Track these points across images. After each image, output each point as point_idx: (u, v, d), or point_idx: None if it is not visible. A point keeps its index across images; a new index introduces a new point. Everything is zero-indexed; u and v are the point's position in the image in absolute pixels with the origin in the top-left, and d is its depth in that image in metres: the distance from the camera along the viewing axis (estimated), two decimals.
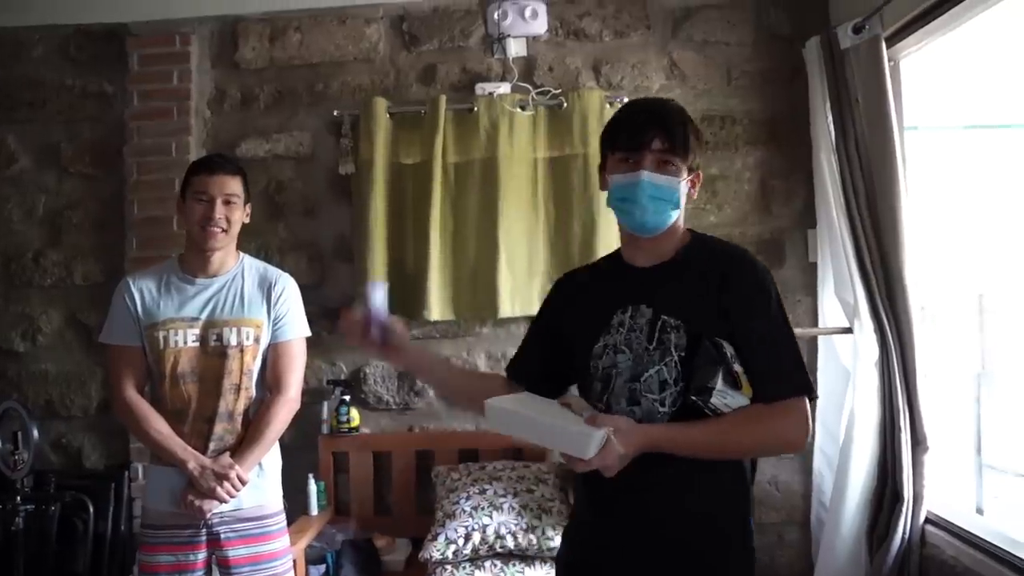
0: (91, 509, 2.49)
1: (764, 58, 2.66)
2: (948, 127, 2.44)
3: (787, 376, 1.20)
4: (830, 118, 2.29)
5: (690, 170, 1.25)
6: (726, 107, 2.66)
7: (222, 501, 1.75)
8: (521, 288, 2.59)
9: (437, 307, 2.57)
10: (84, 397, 2.78)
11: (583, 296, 1.34)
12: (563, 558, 1.39)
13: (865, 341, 2.19)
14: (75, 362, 2.79)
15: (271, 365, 1.86)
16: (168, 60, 2.72)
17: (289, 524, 1.95)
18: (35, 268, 2.81)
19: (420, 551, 2.25)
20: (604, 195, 2.70)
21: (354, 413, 2.64)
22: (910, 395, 2.13)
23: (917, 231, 2.17)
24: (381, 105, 2.63)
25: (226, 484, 1.74)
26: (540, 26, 2.68)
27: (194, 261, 1.85)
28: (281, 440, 1.90)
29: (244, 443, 1.80)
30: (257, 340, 1.83)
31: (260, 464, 1.83)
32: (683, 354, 1.19)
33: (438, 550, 2.20)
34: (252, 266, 1.90)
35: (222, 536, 1.78)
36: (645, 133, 1.22)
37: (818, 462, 2.51)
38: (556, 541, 2.19)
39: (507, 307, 2.57)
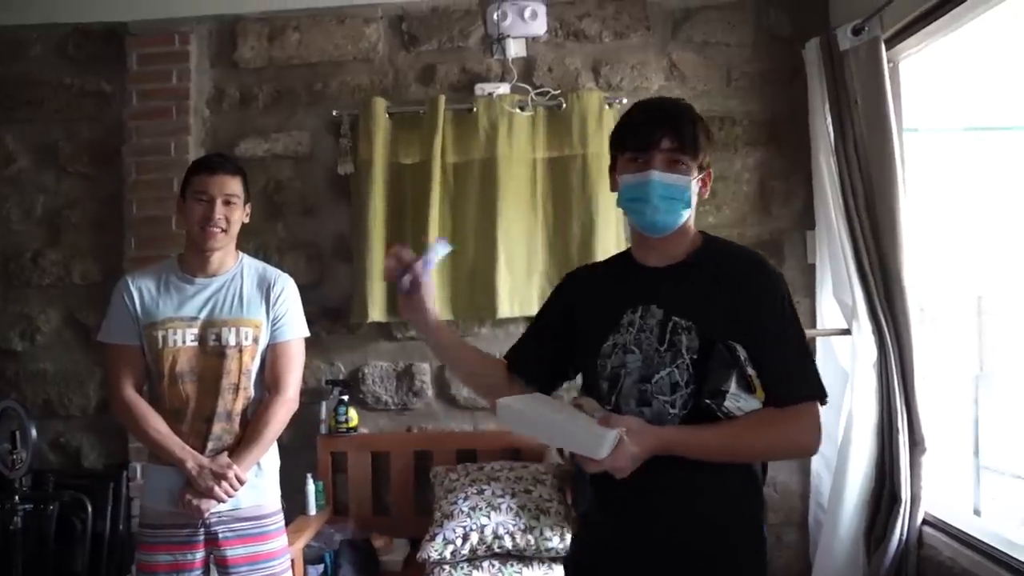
0: (89, 509, 2.49)
1: (764, 59, 2.66)
2: (947, 129, 2.44)
3: (800, 380, 1.20)
4: (829, 119, 2.29)
5: (700, 169, 1.24)
6: (725, 108, 2.66)
7: (220, 501, 1.75)
8: (520, 288, 2.59)
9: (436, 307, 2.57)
10: (82, 397, 2.78)
11: (592, 294, 1.33)
12: (572, 558, 1.39)
13: (863, 342, 2.19)
14: (73, 361, 2.79)
15: (270, 365, 1.86)
16: (167, 59, 2.72)
17: (287, 524, 1.96)
18: (34, 268, 2.81)
19: (418, 551, 2.25)
20: (603, 196, 2.73)
21: (352, 413, 2.64)
22: (908, 396, 2.13)
23: (916, 233, 2.17)
24: (380, 105, 2.63)
25: (224, 484, 1.74)
26: (539, 27, 2.68)
27: (193, 261, 1.85)
28: (279, 440, 1.90)
29: (242, 443, 1.80)
30: (256, 340, 1.83)
31: (258, 464, 1.83)
32: (695, 356, 1.18)
33: (436, 550, 2.20)
34: (251, 266, 1.90)
35: (220, 535, 1.78)
36: (654, 132, 1.21)
37: (816, 463, 2.51)
38: (554, 542, 2.19)
39: (506, 307, 2.57)
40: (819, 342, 2.50)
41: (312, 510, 2.52)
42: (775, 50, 2.64)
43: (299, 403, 1.91)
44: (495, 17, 2.65)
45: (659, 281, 1.25)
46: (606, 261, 1.43)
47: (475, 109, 2.60)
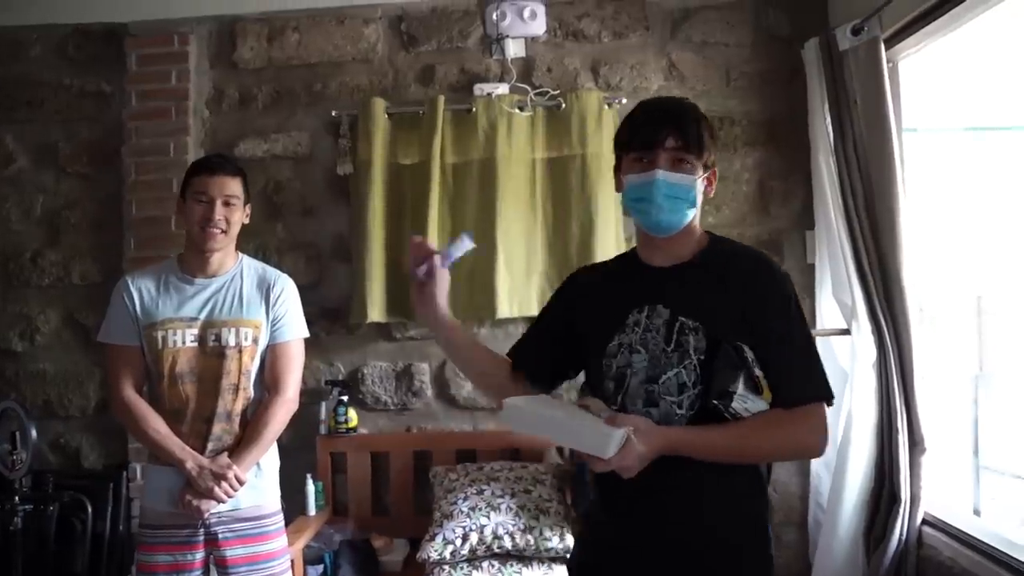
0: (89, 509, 2.49)
1: (763, 59, 2.66)
2: (947, 129, 2.44)
3: (807, 381, 1.19)
4: (829, 119, 2.29)
5: (705, 167, 1.23)
6: (725, 108, 2.66)
7: (220, 501, 1.75)
8: (519, 289, 2.59)
9: None
10: (82, 397, 2.78)
11: (597, 293, 1.32)
12: (576, 559, 1.39)
13: (863, 342, 2.19)
14: (73, 362, 2.79)
15: (269, 366, 1.86)
16: (166, 60, 2.72)
17: (287, 524, 1.96)
18: (33, 268, 2.81)
19: (418, 551, 2.25)
20: (602, 196, 2.73)
21: (352, 413, 2.65)
22: (908, 396, 2.13)
23: (915, 233, 2.17)
24: (379, 105, 2.63)
25: (224, 484, 1.74)
26: (539, 27, 2.67)
27: (193, 261, 1.85)
28: (279, 440, 1.90)
29: (242, 443, 1.80)
30: (255, 341, 1.83)
31: (258, 464, 1.83)
32: (702, 357, 1.18)
33: (436, 550, 2.20)
34: (251, 267, 1.90)
35: (220, 536, 1.78)
36: (658, 132, 1.20)
37: (815, 463, 2.51)
38: (554, 542, 2.19)
39: (505, 308, 2.57)
40: (818, 342, 2.47)
41: (312, 510, 2.52)
42: (774, 50, 2.64)
43: (299, 403, 1.91)
44: (494, 17, 2.65)
45: (665, 281, 1.25)
46: (610, 261, 1.42)
47: (474, 109, 2.60)
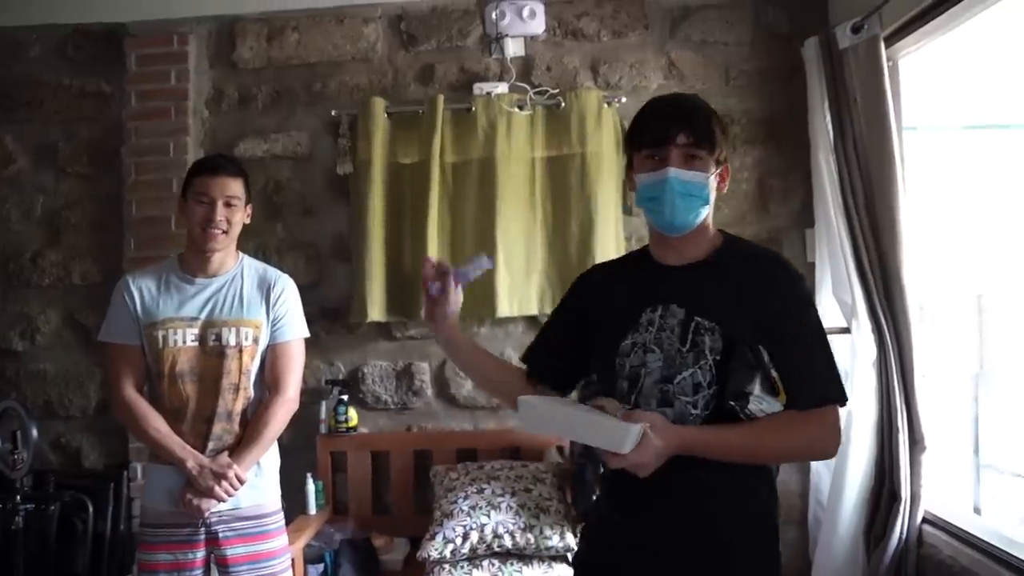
0: (90, 509, 2.49)
1: (762, 57, 2.66)
2: (946, 127, 2.44)
3: (823, 383, 1.19)
4: (828, 118, 2.29)
5: (717, 163, 1.22)
6: (724, 107, 2.65)
7: (220, 500, 1.76)
8: (519, 288, 2.59)
9: None
10: (83, 397, 2.78)
11: (610, 292, 1.31)
12: (582, 557, 1.37)
13: (863, 341, 2.19)
14: (74, 362, 2.79)
15: (270, 365, 1.86)
16: (166, 60, 2.72)
17: (287, 523, 1.96)
18: (33, 268, 2.81)
19: (418, 550, 2.25)
20: (602, 194, 2.73)
21: (352, 413, 2.65)
22: (908, 395, 2.13)
23: (915, 231, 2.17)
24: (379, 105, 2.63)
25: (224, 483, 1.74)
26: (538, 26, 2.67)
27: (194, 261, 1.85)
28: (279, 440, 1.90)
29: (243, 443, 1.80)
30: (256, 340, 1.83)
31: (258, 463, 1.83)
32: (718, 358, 1.17)
33: (436, 549, 2.20)
34: (251, 266, 1.91)
35: (220, 535, 1.79)
36: (669, 128, 1.19)
37: (815, 462, 2.51)
38: (554, 540, 2.19)
39: (505, 307, 2.57)
40: None
41: (312, 509, 2.52)
42: (774, 48, 2.64)
43: (299, 403, 1.91)
44: (493, 16, 2.65)
45: (679, 280, 1.24)
46: (621, 259, 1.41)
47: (474, 108, 2.60)
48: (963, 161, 2.38)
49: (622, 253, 2.53)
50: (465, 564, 2.21)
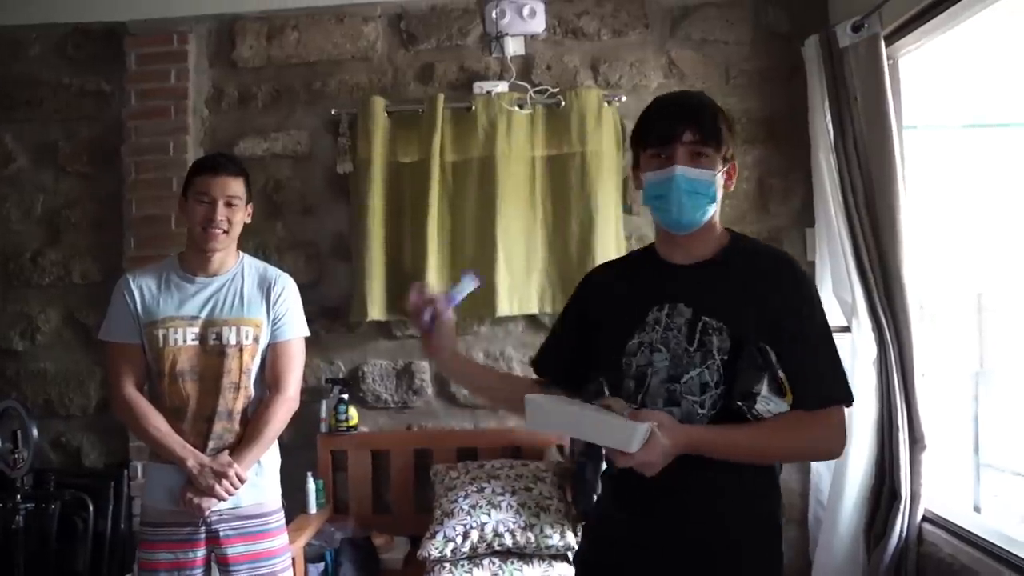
0: (91, 508, 2.49)
1: (762, 57, 2.66)
2: (947, 126, 2.44)
3: (829, 384, 1.19)
4: (829, 117, 2.29)
5: (724, 161, 1.22)
6: (724, 106, 2.52)
7: (221, 499, 1.76)
8: (519, 287, 2.59)
9: None
10: (83, 396, 2.79)
11: (616, 290, 1.31)
12: (584, 555, 1.37)
13: (863, 340, 2.19)
14: (74, 361, 2.79)
15: (270, 364, 1.87)
16: (166, 59, 2.72)
17: (288, 522, 1.96)
18: (33, 267, 2.81)
19: (418, 549, 2.25)
20: (602, 193, 2.73)
21: (352, 412, 2.65)
22: (908, 394, 2.13)
23: (916, 230, 2.17)
24: (379, 104, 2.63)
25: (225, 482, 1.74)
26: (538, 25, 2.67)
27: (194, 260, 1.85)
28: (280, 439, 1.90)
29: (243, 442, 1.81)
30: (256, 339, 1.83)
31: (259, 462, 1.83)
32: (726, 357, 1.17)
33: (436, 548, 2.20)
34: (252, 266, 1.91)
35: (221, 534, 1.79)
36: (675, 126, 1.19)
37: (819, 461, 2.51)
38: (554, 539, 2.20)
39: (505, 306, 2.57)
40: None
41: (312, 508, 2.52)
42: (774, 47, 2.64)
43: (299, 402, 1.91)
44: (493, 15, 2.65)
45: (687, 279, 1.23)
46: (627, 258, 1.41)
47: (474, 107, 2.60)
48: (963, 160, 2.38)
49: (622, 252, 2.56)
50: (465, 563, 2.21)
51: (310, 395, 2.59)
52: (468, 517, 2.23)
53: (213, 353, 1.80)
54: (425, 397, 2.73)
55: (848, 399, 1.20)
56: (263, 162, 2.74)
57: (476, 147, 2.60)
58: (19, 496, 2.24)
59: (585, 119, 2.57)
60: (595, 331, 1.31)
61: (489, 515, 2.23)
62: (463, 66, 2.73)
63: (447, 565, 2.20)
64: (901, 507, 2.10)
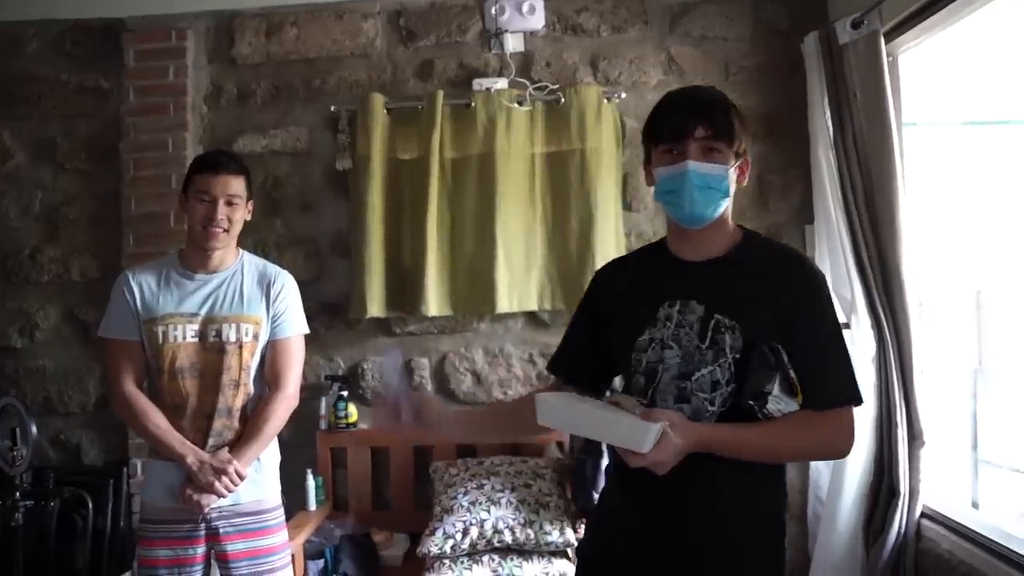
0: (90, 505, 2.49)
1: (762, 53, 2.66)
2: (946, 123, 2.44)
3: (839, 385, 1.19)
4: (828, 113, 2.29)
5: (737, 156, 1.21)
6: None
7: (220, 496, 1.76)
8: (518, 283, 2.59)
9: (435, 302, 2.57)
10: (82, 393, 2.78)
11: (626, 286, 1.30)
12: (586, 551, 1.37)
13: (862, 337, 2.19)
14: (73, 358, 2.79)
15: (270, 362, 1.86)
16: (164, 56, 2.71)
17: (288, 519, 1.96)
18: (32, 264, 2.80)
19: (418, 546, 2.26)
20: (602, 190, 2.72)
21: (352, 409, 2.65)
22: (907, 390, 2.14)
23: (915, 227, 2.17)
24: (378, 100, 2.62)
25: (224, 479, 1.74)
26: (537, 21, 2.67)
27: (194, 257, 1.85)
28: (279, 436, 1.90)
29: (243, 439, 1.81)
30: (256, 337, 1.83)
31: (259, 459, 1.83)
32: (738, 356, 1.16)
33: (436, 545, 2.20)
34: (252, 263, 1.90)
35: (221, 531, 1.79)
36: (687, 122, 1.18)
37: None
38: (554, 536, 2.20)
39: (504, 302, 2.57)
40: None
41: (312, 505, 2.52)
42: (773, 44, 2.64)
43: (299, 399, 1.91)
44: (493, 12, 2.65)
45: (699, 276, 1.23)
46: (636, 253, 1.40)
47: (473, 104, 2.60)
48: (963, 157, 2.38)
49: (622, 248, 2.57)
50: (465, 559, 2.21)
51: (310, 392, 2.59)
52: (468, 514, 2.23)
53: (213, 350, 1.80)
54: (424, 394, 2.73)
55: (857, 399, 1.20)
56: (262, 159, 2.74)
57: (475, 144, 2.60)
58: (18, 494, 2.24)
59: (584, 116, 2.57)
60: (606, 328, 1.30)
61: (489, 512, 2.23)
62: (462, 63, 2.72)
63: (447, 562, 2.20)
64: (900, 503, 2.11)
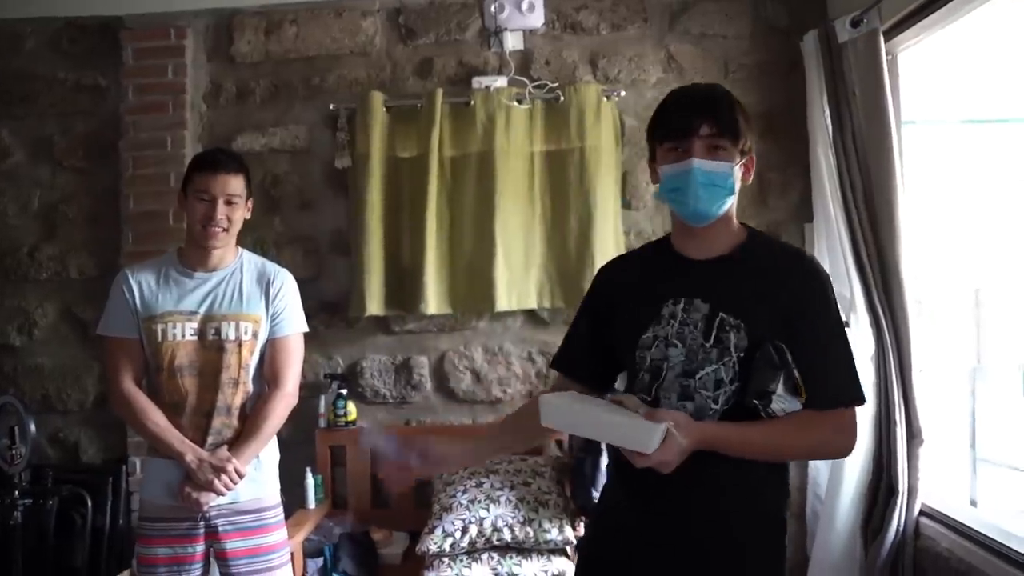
0: (89, 503, 2.49)
1: (761, 51, 2.66)
2: (945, 121, 2.44)
3: (843, 385, 1.19)
4: (827, 112, 2.29)
5: (742, 153, 1.21)
6: None
7: (219, 494, 1.76)
8: (518, 282, 2.59)
9: (434, 301, 2.57)
10: (81, 391, 2.78)
11: (630, 283, 1.30)
12: (587, 548, 1.37)
13: (861, 335, 2.19)
14: (71, 356, 2.79)
15: (269, 360, 1.86)
16: (163, 54, 2.71)
17: (287, 517, 1.96)
18: (30, 262, 2.80)
19: (417, 544, 2.26)
20: (601, 189, 2.73)
21: (351, 407, 2.65)
22: (905, 389, 2.14)
23: (914, 225, 2.17)
24: (377, 99, 2.62)
25: (223, 477, 1.74)
26: (537, 19, 2.67)
27: (193, 255, 1.85)
28: (279, 434, 1.90)
29: (242, 437, 1.80)
30: (255, 335, 1.83)
31: (258, 457, 1.83)
32: (742, 355, 1.16)
33: (435, 543, 2.20)
34: (251, 261, 1.90)
35: (220, 529, 1.79)
36: (692, 120, 1.18)
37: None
38: (553, 534, 2.20)
39: (504, 301, 2.57)
40: None
41: (311, 503, 2.52)
42: (773, 42, 2.64)
43: (298, 397, 1.91)
44: (492, 10, 2.65)
45: (703, 274, 1.23)
46: (641, 250, 1.40)
47: (472, 102, 2.60)
48: (962, 155, 2.38)
49: (621, 247, 2.57)
50: (464, 558, 2.21)
51: (309, 390, 2.59)
52: (467, 512, 2.23)
53: (212, 348, 1.80)
54: (424, 392, 2.73)
55: (860, 399, 1.20)
56: (261, 157, 2.73)
57: (475, 142, 2.60)
58: (17, 492, 2.24)
59: (584, 114, 2.57)
60: (609, 325, 1.30)
61: (488, 510, 2.23)
62: (462, 61, 2.72)
63: (446, 560, 2.21)
64: (898, 501, 2.11)
